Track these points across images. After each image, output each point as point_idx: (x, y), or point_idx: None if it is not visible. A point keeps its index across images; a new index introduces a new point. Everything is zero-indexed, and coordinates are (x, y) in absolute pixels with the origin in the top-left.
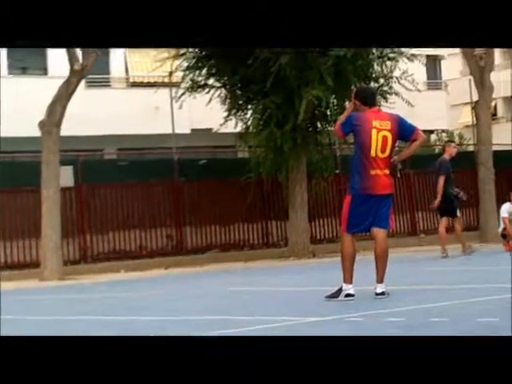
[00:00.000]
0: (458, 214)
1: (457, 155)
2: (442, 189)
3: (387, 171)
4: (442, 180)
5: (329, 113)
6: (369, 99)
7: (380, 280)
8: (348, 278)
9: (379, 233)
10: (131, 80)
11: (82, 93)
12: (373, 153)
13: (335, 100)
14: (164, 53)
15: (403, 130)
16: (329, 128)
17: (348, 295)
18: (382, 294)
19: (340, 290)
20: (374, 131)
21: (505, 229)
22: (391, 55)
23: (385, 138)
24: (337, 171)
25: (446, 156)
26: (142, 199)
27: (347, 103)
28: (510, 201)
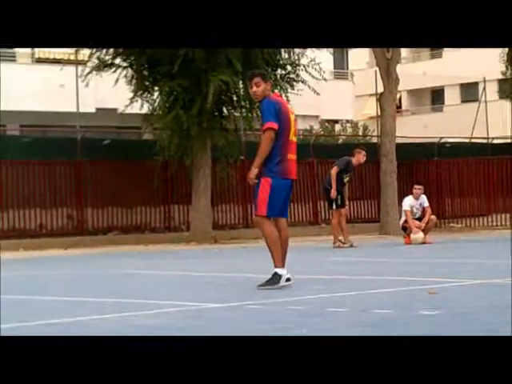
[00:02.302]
0: (334, 206)
1: (360, 146)
2: (335, 179)
3: (295, 156)
4: (334, 170)
5: (235, 98)
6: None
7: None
8: (281, 262)
9: (283, 221)
10: (37, 56)
11: None
12: (291, 136)
13: (242, 85)
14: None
15: None
16: (235, 113)
17: (288, 279)
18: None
19: (276, 275)
20: (292, 115)
21: (406, 222)
22: None
23: (295, 122)
24: (242, 157)
25: (354, 160)
26: (44, 177)
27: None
28: (412, 194)
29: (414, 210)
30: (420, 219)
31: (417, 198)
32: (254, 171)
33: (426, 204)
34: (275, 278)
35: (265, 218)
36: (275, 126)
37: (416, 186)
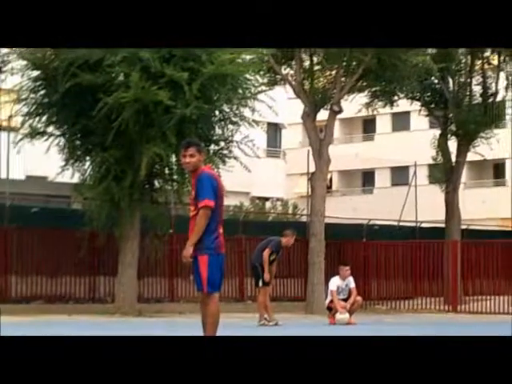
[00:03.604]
0: (260, 284)
1: (289, 224)
2: (267, 262)
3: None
4: (267, 253)
5: (167, 171)
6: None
7: None
8: None
9: (217, 296)
10: None
11: None
12: (222, 211)
13: (175, 158)
14: (4, 96)
15: None
16: (166, 186)
17: None
18: None
19: None
20: (224, 192)
21: (331, 302)
22: (233, 119)
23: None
24: (170, 230)
25: (283, 240)
26: None
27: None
28: (339, 274)
29: (340, 291)
30: (346, 300)
31: (343, 279)
32: (190, 250)
33: (353, 285)
34: None
35: (212, 296)
36: (212, 203)
37: (342, 267)
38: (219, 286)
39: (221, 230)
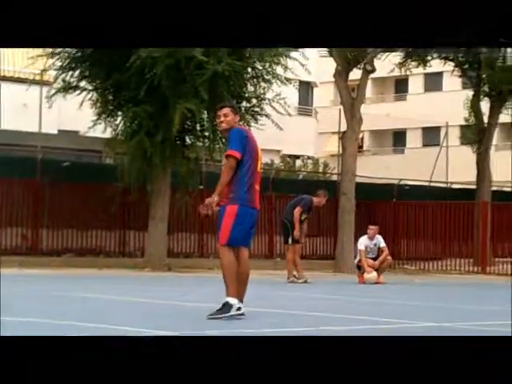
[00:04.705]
0: (290, 241)
1: (320, 183)
2: (298, 220)
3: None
4: (298, 211)
5: (199, 127)
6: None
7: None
8: (234, 292)
9: (245, 252)
10: (2, 74)
11: None
12: (259, 168)
13: (207, 115)
14: (38, 50)
15: None
16: (197, 142)
17: (239, 309)
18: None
19: (227, 304)
20: (259, 148)
21: (360, 261)
22: (266, 77)
23: (261, 154)
24: (201, 187)
25: (315, 200)
26: (1, 196)
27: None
28: (367, 234)
29: (369, 250)
30: (375, 259)
31: (371, 238)
32: (214, 197)
33: (383, 244)
34: (226, 308)
35: (225, 247)
36: (238, 154)
37: (370, 227)
38: (243, 241)
39: (257, 187)
